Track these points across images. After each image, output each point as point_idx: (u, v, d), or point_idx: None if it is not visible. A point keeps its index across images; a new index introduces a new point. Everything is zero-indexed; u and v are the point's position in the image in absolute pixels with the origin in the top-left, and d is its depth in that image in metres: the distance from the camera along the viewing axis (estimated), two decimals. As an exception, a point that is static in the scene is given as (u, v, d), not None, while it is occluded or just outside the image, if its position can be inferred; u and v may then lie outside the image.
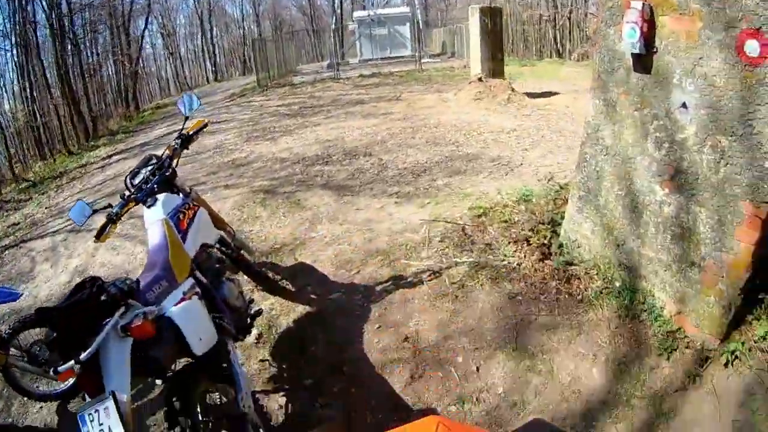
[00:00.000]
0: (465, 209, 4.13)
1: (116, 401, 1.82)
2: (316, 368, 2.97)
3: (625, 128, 2.91)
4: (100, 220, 2.50)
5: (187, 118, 2.91)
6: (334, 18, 27.85)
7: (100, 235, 2.41)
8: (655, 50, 2.62)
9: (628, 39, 2.65)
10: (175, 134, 2.85)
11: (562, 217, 3.54)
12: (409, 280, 3.45)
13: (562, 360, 2.79)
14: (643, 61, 2.69)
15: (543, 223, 3.62)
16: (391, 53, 23.66)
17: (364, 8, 26.37)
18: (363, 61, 22.90)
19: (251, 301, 3.04)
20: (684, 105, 2.55)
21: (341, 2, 26.46)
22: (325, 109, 9.64)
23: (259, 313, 3.03)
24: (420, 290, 3.34)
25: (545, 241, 3.50)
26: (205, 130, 3.01)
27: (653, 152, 2.78)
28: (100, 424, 1.82)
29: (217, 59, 46.17)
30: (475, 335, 2.99)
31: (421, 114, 8.34)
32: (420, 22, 23.10)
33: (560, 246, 3.45)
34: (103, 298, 1.92)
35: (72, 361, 1.79)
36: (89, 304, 1.90)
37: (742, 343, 2.56)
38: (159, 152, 2.79)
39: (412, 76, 15.07)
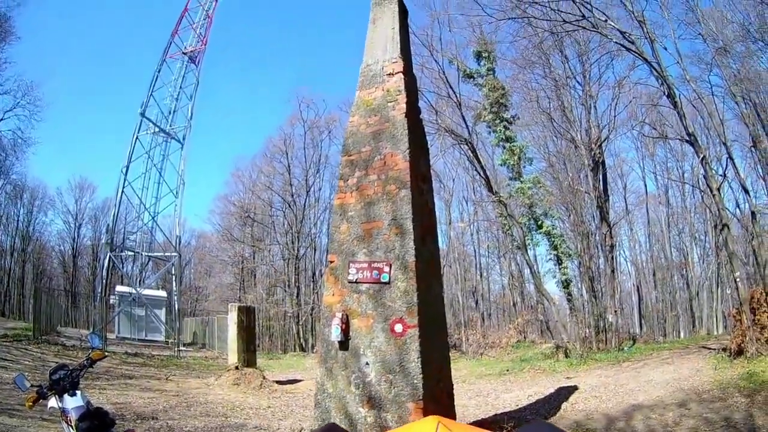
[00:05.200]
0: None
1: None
2: None
3: (338, 381, 5.21)
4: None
5: (92, 349, 4.28)
6: (101, 287, 26.84)
7: (32, 405, 3.49)
8: (349, 338, 5.24)
9: (335, 333, 5.19)
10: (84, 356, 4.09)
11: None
12: None
13: None
14: (343, 345, 5.23)
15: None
16: (147, 336, 24.16)
17: (125, 284, 26.86)
18: (120, 339, 22.73)
19: None
20: (367, 363, 5.15)
21: (109, 272, 25.17)
22: (103, 377, 10.19)
23: None
24: None
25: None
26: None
27: (355, 391, 5.14)
28: None
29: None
30: None
31: (191, 393, 9.79)
32: (178, 310, 24.57)
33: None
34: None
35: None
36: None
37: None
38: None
39: (171, 361, 16.28)
